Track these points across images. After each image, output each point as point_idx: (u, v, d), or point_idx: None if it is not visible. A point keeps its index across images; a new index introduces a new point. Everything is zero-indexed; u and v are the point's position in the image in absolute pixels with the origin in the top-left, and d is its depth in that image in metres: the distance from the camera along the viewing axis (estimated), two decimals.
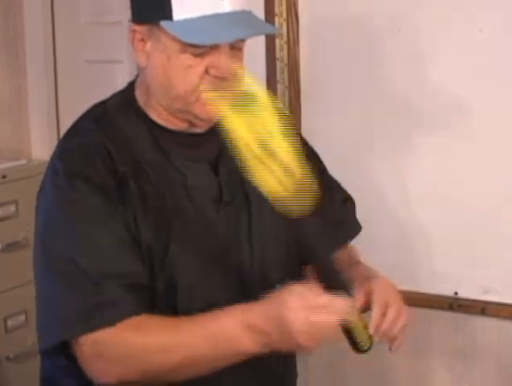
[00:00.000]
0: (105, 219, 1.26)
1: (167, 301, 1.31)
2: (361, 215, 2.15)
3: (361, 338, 1.32)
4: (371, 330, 1.32)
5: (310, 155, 1.47)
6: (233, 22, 1.27)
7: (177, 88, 1.30)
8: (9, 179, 2.35)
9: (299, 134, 1.54)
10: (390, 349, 1.36)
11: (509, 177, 2.03)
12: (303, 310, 1.21)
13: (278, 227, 1.42)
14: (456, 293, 2.11)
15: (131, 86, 1.39)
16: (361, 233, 2.13)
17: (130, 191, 1.30)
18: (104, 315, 1.22)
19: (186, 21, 1.27)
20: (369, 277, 1.41)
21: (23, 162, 2.54)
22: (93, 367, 1.26)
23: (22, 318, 2.14)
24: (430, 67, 2.08)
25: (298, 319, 1.20)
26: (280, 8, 2.20)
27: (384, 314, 1.33)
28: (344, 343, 1.63)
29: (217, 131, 1.34)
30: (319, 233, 1.32)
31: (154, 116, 1.35)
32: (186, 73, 1.29)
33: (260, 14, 2.14)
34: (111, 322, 1.22)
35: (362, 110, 2.18)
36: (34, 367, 1.54)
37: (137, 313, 1.24)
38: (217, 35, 1.26)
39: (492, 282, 2.07)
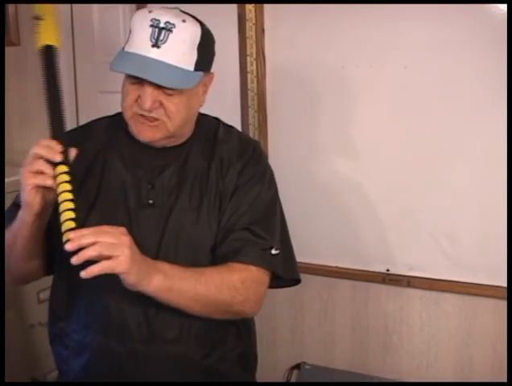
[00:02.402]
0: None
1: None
2: (316, 210, 2.34)
3: (63, 218, 1.24)
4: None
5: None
6: (146, 64, 1.34)
7: (122, 104, 1.44)
8: None
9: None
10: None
11: (427, 177, 2.13)
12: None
13: (193, 232, 1.46)
14: (387, 270, 2.27)
15: None
16: (317, 226, 2.33)
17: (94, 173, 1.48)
18: None
19: (124, 52, 1.39)
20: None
21: None
22: None
23: None
24: (364, 94, 2.16)
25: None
26: (251, 50, 2.31)
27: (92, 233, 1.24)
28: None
29: (177, 150, 1.49)
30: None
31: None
32: (127, 95, 1.42)
33: (235, 54, 2.33)
34: None
35: (312, 127, 2.28)
36: None
37: None
38: (119, 67, 1.36)
39: (415, 262, 2.23)
